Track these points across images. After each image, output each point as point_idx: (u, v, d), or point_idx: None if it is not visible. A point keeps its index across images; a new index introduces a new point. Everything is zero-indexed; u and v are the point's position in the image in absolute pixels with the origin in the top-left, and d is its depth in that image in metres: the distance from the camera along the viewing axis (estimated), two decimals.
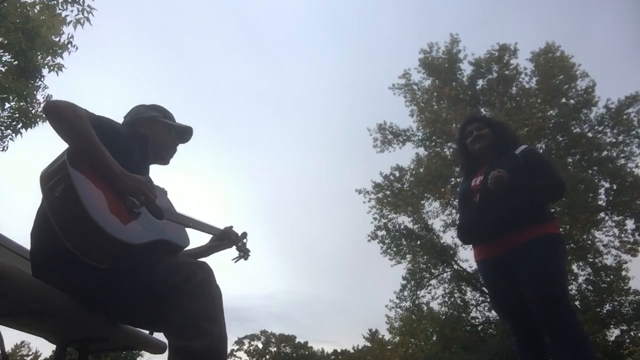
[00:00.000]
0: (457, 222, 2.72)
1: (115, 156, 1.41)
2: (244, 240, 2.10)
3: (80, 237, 1.25)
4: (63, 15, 6.14)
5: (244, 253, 2.09)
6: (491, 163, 2.45)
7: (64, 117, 1.35)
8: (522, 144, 2.49)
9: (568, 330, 2.05)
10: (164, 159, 1.82)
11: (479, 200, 2.40)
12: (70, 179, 1.25)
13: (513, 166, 2.31)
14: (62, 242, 1.24)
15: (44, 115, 5.92)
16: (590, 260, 15.52)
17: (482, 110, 17.36)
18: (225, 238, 1.97)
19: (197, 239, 2.00)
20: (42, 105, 6.20)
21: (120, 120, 1.76)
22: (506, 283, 2.31)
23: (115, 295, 1.34)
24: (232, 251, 2.07)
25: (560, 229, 2.56)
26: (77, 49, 6.43)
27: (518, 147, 2.43)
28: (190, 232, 1.81)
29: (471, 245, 2.63)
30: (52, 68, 6.37)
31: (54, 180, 1.29)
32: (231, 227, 2.01)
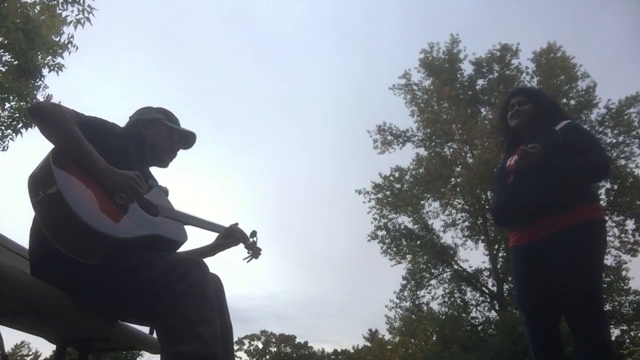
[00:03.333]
0: (491, 204, 2.62)
1: (111, 155, 1.41)
2: (254, 239, 2.06)
3: (68, 237, 1.24)
4: (63, 15, 6.15)
5: (254, 252, 2.05)
6: (530, 140, 2.21)
7: (47, 116, 1.35)
8: (566, 119, 2.25)
9: (594, 330, 1.93)
10: (162, 162, 1.82)
11: (513, 181, 2.23)
12: (55, 179, 1.25)
13: (552, 143, 2.10)
14: (55, 245, 1.24)
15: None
16: None
17: (481, 110, 17.37)
18: (230, 235, 1.95)
19: (204, 239, 1.98)
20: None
21: (119, 121, 1.77)
22: (534, 273, 2.14)
23: (111, 292, 1.34)
24: (243, 251, 2.03)
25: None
26: (77, 49, 6.44)
27: (560, 123, 2.21)
28: (196, 231, 1.81)
29: (506, 229, 2.45)
30: (52, 68, 6.38)
31: (39, 182, 1.29)
32: (236, 224, 1.99)
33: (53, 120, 1.35)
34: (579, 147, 2.10)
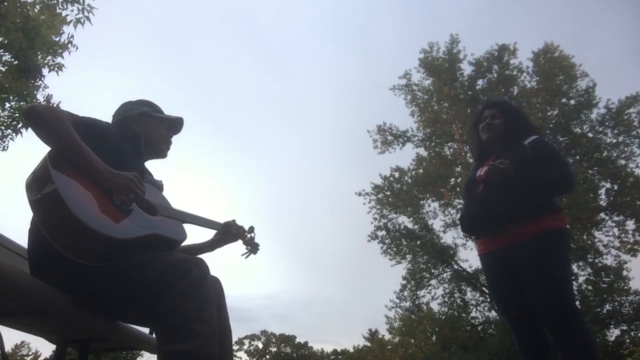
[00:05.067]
0: (460, 212, 2.66)
1: (106, 156, 1.40)
2: (252, 235, 2.07)
3: (69, 239, 1.24)
4: (63, 15, 6.14)
5: (252, 247, 2.06)
6: (499, 153, 2.38)
7: (43, 120, 1.34)
8: (534, 134, 2.39)
9: (571, 330, 2.00)
10: (161, 153, 1.82)
11: (482, 192, 2.33)
12: (53, 182, 1.24)
13: (520, 157, 2.23)
14: (54, 246, 1.23)
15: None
16: (590, 260, 15.51)
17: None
18: (227, 231, 1.97)
19: (203, 237, 1.99)
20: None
21: (110, 119, 1.76)
22: (508, 279, 2.23)
23: (111, 293, 1.34)
24: (242, 248, 2.05)
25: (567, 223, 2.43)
26: (77, 48, 6.43)
27: (529, 138, 2.34)
28: (195, 228, 1.82)
29: (474, 238, 2.58)
30: (52, 68, 6.37)
31: (38, 184, 1.28)
32: (233, 220, 2.00)
33: (48, 123, 1.34)
34: (545, 161, 2.23)
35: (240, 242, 2.04)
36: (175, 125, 1.87)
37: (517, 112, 2.63)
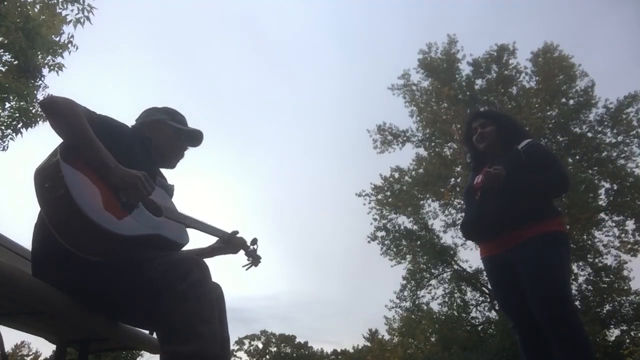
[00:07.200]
0: (461, 220, 2.68)
1: (117, 154, 1.41)
2: (254, 247, 2.05)
3: (72, 231, 1.24)
4: (63, 15, 6.14)
5: (254, 259, 2.04)
6: (495, 159, 2.40)
7: (59, 111, 1.35)
8: (527, 138, 2.42)
9: (569, 331, 2.02)
10: (169, 163, 1.81)
11: (480, 199, 2.37)
12: (62, 174, 1.24)
13: (515, 162, 2.26)
14: (58, 239, 1.23)
15: (41, 111, 5.93)
16: (590, 260, 15.51)
17: (481, 110, 17.31)
18: (230, 242, 1.96)
19: (204, 241, 1.98)
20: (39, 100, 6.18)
21: (121, 121, 1.76)
22: (509, 281, 2.26)
23: (112, 292, 1.34)
24: (243, 259, 2.03)
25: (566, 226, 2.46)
26: (77, 48, 6.43)
27: (522, 142, 2.36)
28: (196, 233, 1.81)
29: (475, 243, 2.61)
30: (52, 68, 6.37)
31: (46, 176, 1.29)
32: (237, 232, 1.99)
33: (64, 115, 1.35)
34: (540, 164, 2.25)
35: (242, 253, 2.02)
36: (192, 137, 1.84)
37: (506, 117, 2.68)
